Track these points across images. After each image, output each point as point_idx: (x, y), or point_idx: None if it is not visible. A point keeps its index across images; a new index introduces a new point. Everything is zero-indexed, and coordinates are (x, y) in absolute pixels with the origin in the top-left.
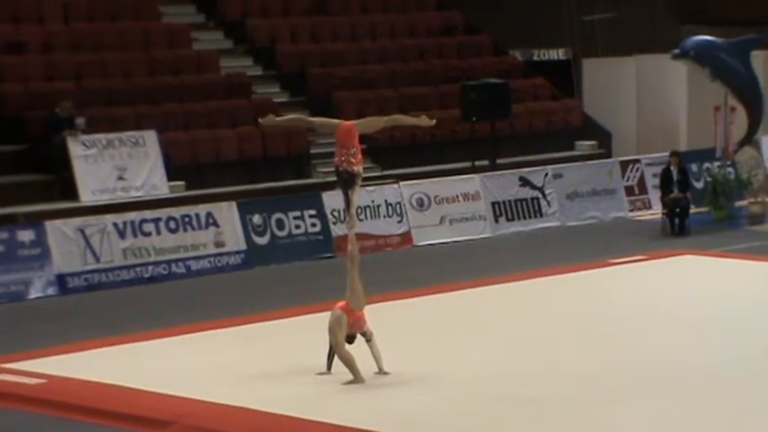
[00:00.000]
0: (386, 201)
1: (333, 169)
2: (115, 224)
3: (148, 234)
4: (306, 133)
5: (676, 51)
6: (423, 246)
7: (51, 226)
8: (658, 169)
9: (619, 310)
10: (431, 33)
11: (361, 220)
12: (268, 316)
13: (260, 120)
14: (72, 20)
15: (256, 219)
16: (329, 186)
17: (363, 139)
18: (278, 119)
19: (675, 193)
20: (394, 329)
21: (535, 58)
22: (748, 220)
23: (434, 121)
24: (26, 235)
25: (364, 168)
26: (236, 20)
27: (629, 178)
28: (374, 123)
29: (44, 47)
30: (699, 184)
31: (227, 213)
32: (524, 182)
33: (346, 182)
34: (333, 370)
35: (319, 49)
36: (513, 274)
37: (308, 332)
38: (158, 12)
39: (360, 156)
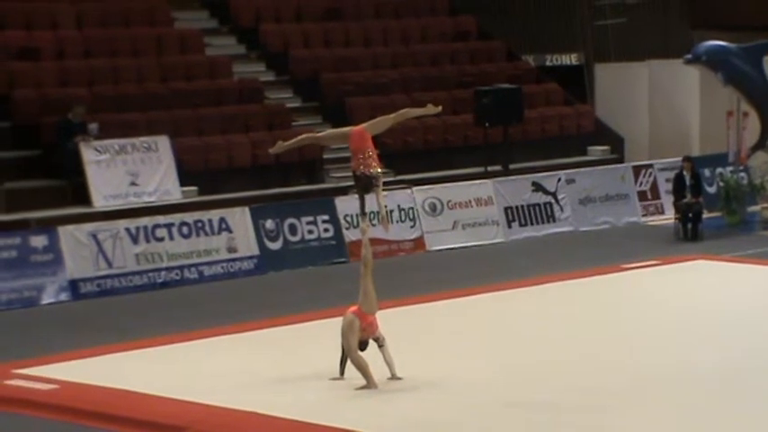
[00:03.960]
0: (399, 206)
1: (346, 175)
2: (128, 229)
3: (161, 239)
4: None
5: (689, 56)
6: (435, 251)
7: (64, 231)
8: (671, 174)
9: (631, 315)
10: (443, 39)
11: (373, 224)
12: (280, 321)
13: (270, 150)
14: (85, 26)
15: (269, 224)
16: (342, 191)
17: (376, 143)
18: (287, 143)
19: (688, 198)
20: (406, 334)
21: (548, 63)
22: (761, 225)
23: (440, 108)
24: (39, 241)
25: None
26: (248, 25)
27: (641, 183)
28: (384, 123)
29: (57, 53)
30: (711, 189)
31: (240, 219)
32: (537, 187)
33: (366, 185)
34: (346, 375)
35: (332, 54)
36: (526, 279)
37: (320, 337)
38: (171, 17)
39: (375, 157)
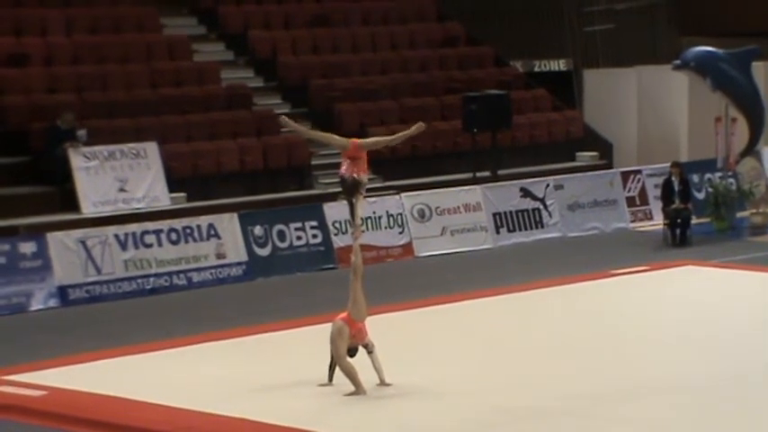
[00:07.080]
0: (387, 212)
1: (334, 181)
2: (116, 236)
3: (150, 246)
4: (307, 144)
5: (677, 62)
6: (424, 257)
7: (53, 238)
8: (659, 180)
9: (620, 321)
10: (432, 45)
11: (362, 231)
12: (269, 327)
13: (280, 119)
14: (74, 32)
15: (258, 230)
16: (330, 198)
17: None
18: (294, 125)
19: (677, 204)
20: (395, 341)
21: (536, 69)
22: (749, 230)
23: (424, 126)
24: (28, 247)
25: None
26: (237, 32)
27: (630, 189)
28: (379, 143)
29: (46, 59)
30: (700, 195)
31: (229, 225)
32: (525, 193)
33: (350, 189)
34: (334, 381)
35: (320, 60)
36: (515, 285)
37: (309, 343)
38: (159, 24)
39: (364, 165)
